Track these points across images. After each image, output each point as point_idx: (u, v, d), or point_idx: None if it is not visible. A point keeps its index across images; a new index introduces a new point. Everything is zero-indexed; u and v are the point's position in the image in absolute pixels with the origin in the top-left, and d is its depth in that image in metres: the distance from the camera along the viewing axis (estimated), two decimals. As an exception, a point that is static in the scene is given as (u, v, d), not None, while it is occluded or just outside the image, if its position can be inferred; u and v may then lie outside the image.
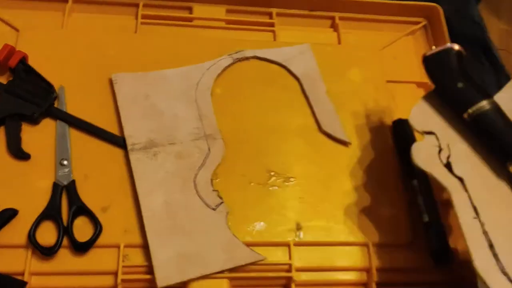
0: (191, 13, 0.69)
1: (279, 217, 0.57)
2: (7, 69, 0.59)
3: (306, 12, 0.72)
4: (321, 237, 0.56)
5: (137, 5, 0.68)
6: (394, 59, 0.71)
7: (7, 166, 0.55)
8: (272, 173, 0.59)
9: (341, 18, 0.72)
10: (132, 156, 0.56)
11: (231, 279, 0.52)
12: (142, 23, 0.66)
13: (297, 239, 0.56)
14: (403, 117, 0.63)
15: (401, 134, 0.62)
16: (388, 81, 0.68)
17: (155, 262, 0.51)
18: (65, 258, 0.51)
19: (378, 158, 0.62)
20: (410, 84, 0.69)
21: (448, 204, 0.59)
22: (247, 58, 0.66)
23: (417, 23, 0.74)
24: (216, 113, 0.61)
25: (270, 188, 0.58)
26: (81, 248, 0.51)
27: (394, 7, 0.73)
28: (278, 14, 0.71)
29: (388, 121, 0.64)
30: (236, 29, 0.69)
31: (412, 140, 0.61)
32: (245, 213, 0.56)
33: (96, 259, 0.52)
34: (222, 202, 0.55)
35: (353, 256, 0.55)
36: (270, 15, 0.71)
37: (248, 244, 0.54)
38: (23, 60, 0.59)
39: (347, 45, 0.70)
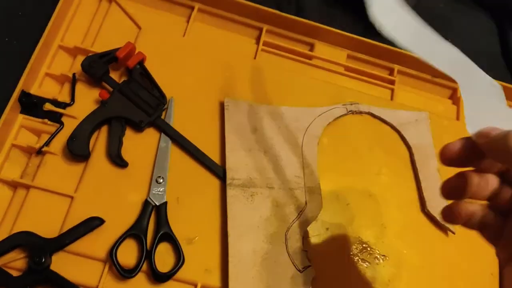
0: (312, 50, 0.66)
1: (363, 295, 0.53)
2: (124, 67, 0.57)
3: (428, 77, 0.68)
4: (403, 330, 0.52)
5: (260, 30, 0.65)
6: None
7: (103, 170, 0.52)
8: (365, 245, 0.55)
9: (463, 92, 0.68)
10: (230, 192, 0.53)
11: None
12: (262, 50, 0.63)
13: (378, 326, 0.51)
14: (512, 218, 0.58)
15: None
16: (500, 173, 0.63)
17: (231, 314, 0.47)
18: (139, 284, 0.48)
19: (478, 257, 0.57)
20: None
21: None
22: (360, 113, 0.62)
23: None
24: (318, 163, 0.57)
25: (360, 262, 0.54)
26: (159, 279, 0.48)
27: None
28: (400, 72, 0.67)
29: (495, 218, 0.59)
30: (354, 78, 0.65)
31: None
32: (329, 282, 0.52)
33: (170, 292, 0.49)
34: (310, 266, 0.51)
35: None
36: (391, 71, 0.67)
37: (326, 317, 0.50)
38: (141, 62, 0.56)
39: (465, 123, 0.65)
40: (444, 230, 0.57)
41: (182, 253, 0.49)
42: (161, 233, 0.49)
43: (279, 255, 0.51)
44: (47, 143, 0.52)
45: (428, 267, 0.55)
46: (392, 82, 0.66)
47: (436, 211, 0.57)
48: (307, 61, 0.65)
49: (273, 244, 0.51)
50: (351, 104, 0.62)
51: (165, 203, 0.51)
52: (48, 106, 0.54)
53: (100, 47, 0.57)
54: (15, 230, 0.48)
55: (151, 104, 0.55)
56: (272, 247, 0.51)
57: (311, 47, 0.66)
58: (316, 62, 0.65)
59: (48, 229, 0.48)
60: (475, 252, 0.57)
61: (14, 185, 0.51)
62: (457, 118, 0.66)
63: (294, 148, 0.57)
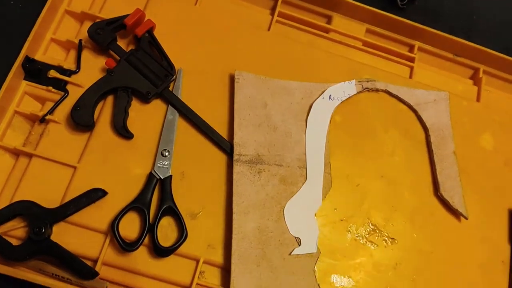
0: (329, 22, 0.63)
1: (369, 279, 0.51)
2: (132, 35, 0.55)
3: (449, 55, 0.65)
4: (409, 314, 0.51)
5: (276, -1, 0.62)
6: (533, 136, 0.63)
7: (107, 141, 0.51)
8: (373, 227, 0.53)
9: (485, 72, 0.65)
10: (236, 168, 0.51)
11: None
12: (277, 21, 0.61)
13: (383, 309, 0.50)
14: (528, 207, 0.56)
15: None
16: (520, 158, 0.60)
17: (232, 291, 0.47)
18: (141, 257, 0.48)
19: (489, 244, 0.55)
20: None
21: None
22: (377, 90, 0.59)
23: None
24: (329, 142, 0.55)
25: (368, 244, 0.52)
26: (161, 253, 0.47)
27: (548, 76, 0.65)
28: (420, 49, 0.64)
29: (510, 205, 0.57)
30: (372, 53, 0.62)
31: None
32: (334, 263, 0.51)
33: (171, 267, 0.48)
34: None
35: None
36: (411, 48, 0.64)
37: (330, 298, 0.49)
38: (150, 31, 0.54)
39: (486, 105, 0.62)
40: (456, 215, 0.55)
41: (186, 228, 0.48)
42: (164, 207, 0.48)
43: (283, 234, 0.50)
44: (51, 111, 0.51)
45: (438, 252, 0.54)
46: (411, 60, 0.63)
47: (449, 195, 0.55)
48: (324, 34, 0.62)
49: (278, 222, 0.50)
50: (368, 81, 0.59)
51: (170, 176, 0.50)
52: (52, 73, 0.52)
53: (108, 14, 0.56)
54: (16, 199, 0.47)
55: (159, 75, 0.53)
56: (277, 225, 0.50)
57: (329, 19, 0.64)
58: (333, 35, 0.62)
59: (50, 199, 0.47)
60: (486, 239, 0.55)
61: (16, 153, 0.50)
62: (478, 100, 0.63)
63: (305, 125, 0.55)
